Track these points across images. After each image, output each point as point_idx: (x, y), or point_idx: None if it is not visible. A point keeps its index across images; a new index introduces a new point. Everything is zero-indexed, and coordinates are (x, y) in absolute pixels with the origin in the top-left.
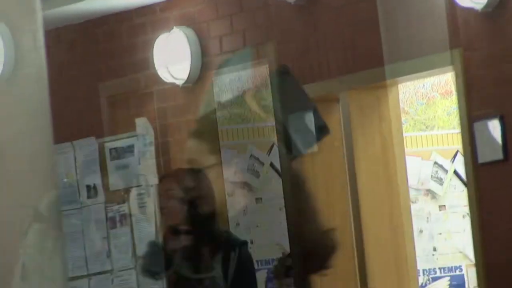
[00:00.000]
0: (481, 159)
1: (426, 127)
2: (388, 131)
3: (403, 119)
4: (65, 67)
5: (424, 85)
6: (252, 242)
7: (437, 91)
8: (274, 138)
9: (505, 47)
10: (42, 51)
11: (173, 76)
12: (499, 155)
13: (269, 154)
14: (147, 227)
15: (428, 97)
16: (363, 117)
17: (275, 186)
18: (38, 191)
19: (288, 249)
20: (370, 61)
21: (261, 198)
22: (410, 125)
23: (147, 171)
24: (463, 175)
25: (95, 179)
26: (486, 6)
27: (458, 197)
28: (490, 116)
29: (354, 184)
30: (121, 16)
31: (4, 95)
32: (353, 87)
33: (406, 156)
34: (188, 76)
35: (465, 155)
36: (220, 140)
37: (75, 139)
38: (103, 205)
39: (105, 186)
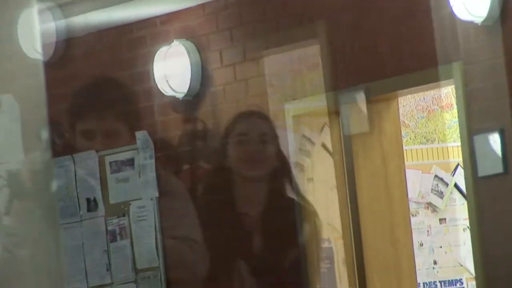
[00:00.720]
0: (481, 173)
1: (427, 140)
2: (388, 144)
3: (403, 132)
4: (65, 80)
5: (424, 98)
6: None
7: (437, 105)
8: (325, 118)
9: (505, 60)
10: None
11: (173, 89)
12: (499, 169)
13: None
14: (147, 241)
15: (429, 111)
16: None
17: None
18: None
19: None
20: (370, 75)
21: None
22: (410, 138)
23: (147, 184)
24: (464, 188)
25: (95, 192)
26: (486, 19)
27: (459, 211)
28: (490, 130)
29: (354, 197)
30: (122, 29)
31: None
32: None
33: (407, 169)
34: (188, 89)
35: (465, 169)
36: None
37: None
38: (103, 218)
39: (105, 199)
